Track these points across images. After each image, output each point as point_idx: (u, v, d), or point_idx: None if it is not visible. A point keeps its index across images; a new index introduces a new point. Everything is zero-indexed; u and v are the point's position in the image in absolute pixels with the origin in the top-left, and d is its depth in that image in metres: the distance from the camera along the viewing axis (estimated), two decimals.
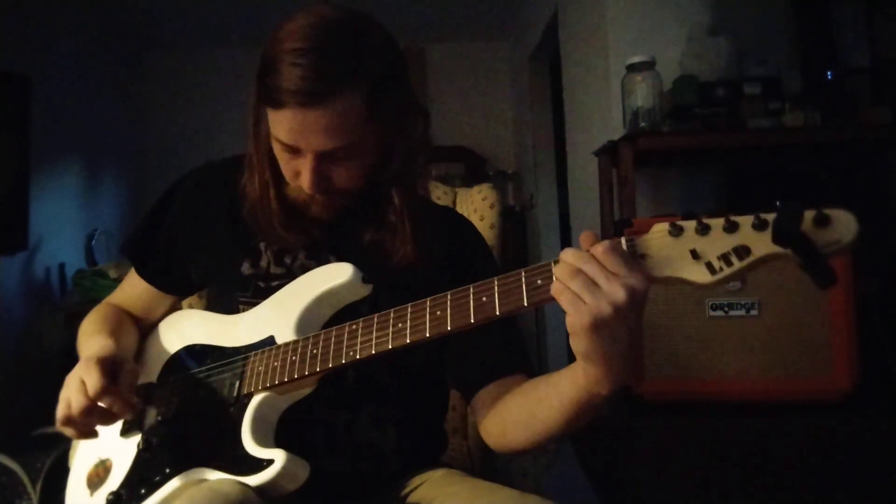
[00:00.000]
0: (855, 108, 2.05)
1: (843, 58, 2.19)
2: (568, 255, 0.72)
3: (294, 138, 0.90)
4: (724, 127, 2.01)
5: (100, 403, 0.89)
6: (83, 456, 1.07)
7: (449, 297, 0.81)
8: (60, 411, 0.91)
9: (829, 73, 2.13)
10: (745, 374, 1.44)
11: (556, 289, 0.71)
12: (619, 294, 0.67)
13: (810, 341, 1.43)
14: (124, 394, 0.90)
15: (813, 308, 1.43)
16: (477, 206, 1.45)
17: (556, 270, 0.72)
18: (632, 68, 2.12)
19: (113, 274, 3.32)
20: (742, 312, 1.45)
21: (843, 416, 1.40)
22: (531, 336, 3.81)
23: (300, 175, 0.93)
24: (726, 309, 1.45)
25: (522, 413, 0.90)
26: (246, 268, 1.04)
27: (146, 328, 1.16)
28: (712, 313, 1.46)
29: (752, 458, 1.38)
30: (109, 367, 0.91)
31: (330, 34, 0.88)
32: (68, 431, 0.92)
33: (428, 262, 1.00)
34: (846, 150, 2.20)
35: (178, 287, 1.19)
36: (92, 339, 1.03)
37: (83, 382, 0.89)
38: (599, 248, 0.69)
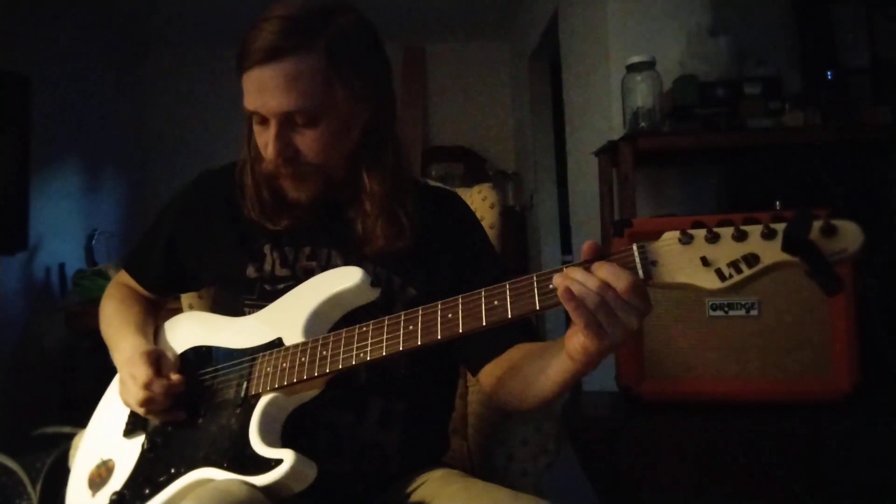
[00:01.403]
0: (855, 108, 2.05)
1: (843, 58, 2.19)
2: (583, 279, 0.73)
3: (255, 101, 0.94)
4: (724, 127, 2.01)
5: (152, 390, 0.96)
6: (84, 456, 1.07)
7: (460, 300, 0.82)
8: (134, 408, 1.00)
9: (829, 73, 2.14)
10: (744, 374, 1.44)
11: (581, 318, 0.73)
12: (634, 323, 0.73)
13: (810, 341, 1.43)
14: (167, 376, 0.98)
15: (813, 308, 1.42)
16: (477, 206, 1.45)
17: (580, 294, 0.72)
18: (632, 68, 2.12)
19: (113, 274, 3.31)
20: (742, 312, 1.45)
21: (843, 416, 1.40)
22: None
23: (268, 147, 0.96)
24: (726, 309, 1.45)
25: (519, 386, 0.95)
26: (251, 272, 1.05)
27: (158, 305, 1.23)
28: (712, 313, 1.46)
29: (751, 458, 1.38)
30: (154, 359, 0.99)
31: (302, 7, 0.94)
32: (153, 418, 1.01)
33: (405, 246, 1.01)
34: (846, 150, 2.19)
35: (182, 289, 1.25)
36: (124, 339, 1.08)
37: (133, 377, 0.97)
38: (622, 284, 0.71)
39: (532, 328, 1.04)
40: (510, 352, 1.00)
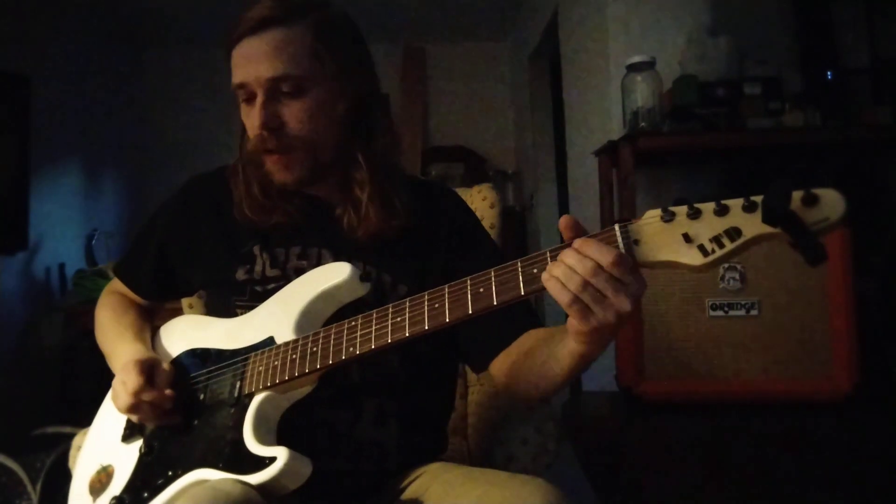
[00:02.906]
0: (855, 108, 2.05)
1: (843, 58, 2.19)
2: (573, 262, 0.72)
3: (243, 73, 0.97)
4: (724, 127, 2.01)
5: (140, 399, 0.95)
6: (85, 463, 1.07)
7: (447, 289, 0.82)
8: (120, 409, 0.99)
9: (829, 73, 2.13)
10: (745, 374, 1.44)
11: (564, 299, 0.72)
12: (626, 305, 0.71)
13: (810, 341, 1.43)
14: (160, 389, 0.97)
15: (813, 308, 1.42)
16: (477, 206, 1.45)
17: (563, 277, 0.72)
18: (632, 68, 2.12)
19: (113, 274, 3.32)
20: (742, 312, 1.45)
21: (843, 416, 1.40)
22: None
23: (254, 120, 0.98)
24: (726, 309, 1.45)
25: (534, 374, 0.94)
26: (241, 274, 1.05)
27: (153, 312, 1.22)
28: (712, 313, 1.46)
29: (752, 458, 1.38)
30: (147, 368, 0.98)
31: None
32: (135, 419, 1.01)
33: (401, 227, 1.02)
34: (846, 150, 2.20)
35: (175, 295, 1.24)
36: (122, 345, 1.08)
37: (123, 384, 0.96)
38: (608, 259, 0.70)
39: (535, 315, 1.03)
40: (519, 341, 0.99)
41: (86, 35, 3.87)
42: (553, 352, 0.87)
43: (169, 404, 0.97)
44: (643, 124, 2.05)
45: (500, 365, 1.01)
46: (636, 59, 2.11)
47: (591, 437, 1.50)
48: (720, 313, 1.45)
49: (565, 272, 0.72)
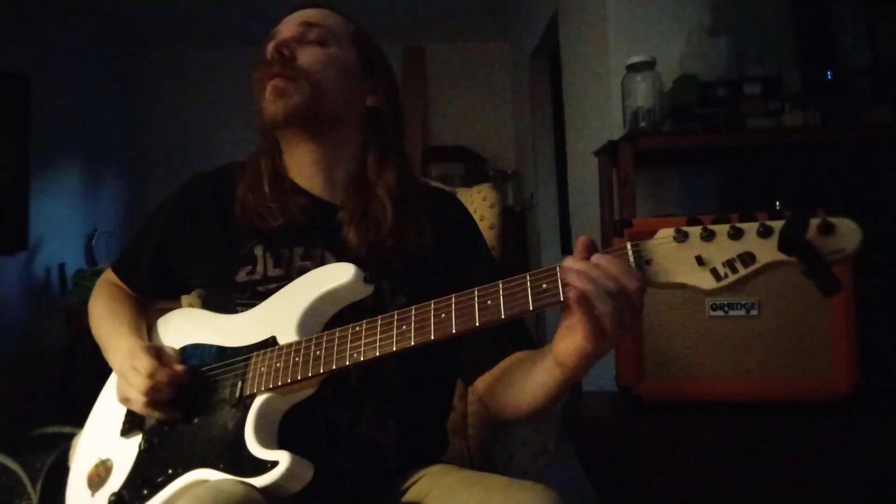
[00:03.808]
0: (855, 108, 2.05)
1: (843, 58, 2.19)
2: (606, 282, 0.70)
3: (282, 26, 1.07)
4: (724, 127, 2.01)
5: (157, 379, 0.94)
6: (83, 456, 1.06)
7: (453, 299, 0.81)
8: (134, 405, 0.98)
9: (829, 73, 2.14)
10: (745, 374, 1.44)
11: (591, 322, 0.71)
12: (635, 326, 0.74)
13: (810, 341, 1.43)
14: (171, 366, 0.97)
15: (813, 308, 1.42)
16: (477, 206, 1.45)
17: (600, 304, 0.70)
18: (632, 68, 2.12)
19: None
20: (742, 312, 1.45)
21: (843, 416, 1.40)
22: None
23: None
24: (726, 309, 1.45)
25: (508, 396, 0.95)
26: (241, 276, 1.04)
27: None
28: (712, 313, 1.46)
29: (752, 458, 1.38)
30: (155, 352, 0.98)
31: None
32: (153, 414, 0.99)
33: (409, 239, 1.03)
34: (846, 150, 2.20)
35: (173, 293, 1.24)
36: (120, 338, 1.07)
37: (135, 369, 0.96)
38: (633, 286, 0.69)
39: (528, 337, 1.02)
40: (504, 361, 0.99)
41: (86, 35, 3.87)
42: (532, 375, 0.87)
43: (185, 379, 0.97)
44: (643, 124, 2.05)
45: (484, 380, 1.02)
46: (636, 59, 2.11)
47: (591, 437, 1.50)
48: (720, 313, 1.45)
49: (603, 296, 0.70)
